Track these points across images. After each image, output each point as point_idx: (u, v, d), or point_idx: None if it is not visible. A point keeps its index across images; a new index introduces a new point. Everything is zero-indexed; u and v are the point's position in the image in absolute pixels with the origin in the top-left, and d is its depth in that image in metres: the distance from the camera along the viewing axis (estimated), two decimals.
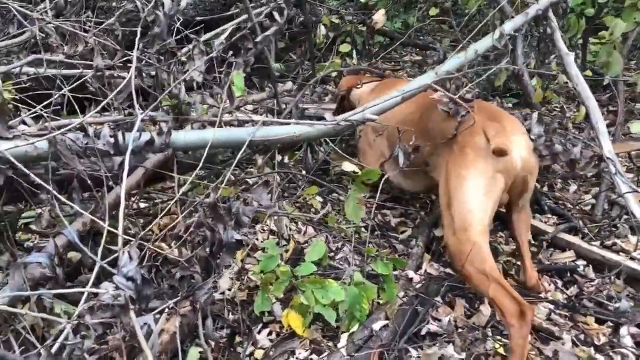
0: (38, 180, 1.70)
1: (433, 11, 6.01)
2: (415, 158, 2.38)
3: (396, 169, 2.73)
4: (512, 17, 3.06)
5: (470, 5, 4.75)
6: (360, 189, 2.47)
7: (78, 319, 1.42)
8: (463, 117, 2.31)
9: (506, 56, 2.67)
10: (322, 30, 4.72)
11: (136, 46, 2.05)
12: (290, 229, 3.10)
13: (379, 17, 4.41)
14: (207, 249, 1.80)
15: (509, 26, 2.92)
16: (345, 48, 4.86)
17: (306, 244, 2.98)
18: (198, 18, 3.91)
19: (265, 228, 3.12)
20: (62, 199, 1.80)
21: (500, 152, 2.20)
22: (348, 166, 2.51)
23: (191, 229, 1.78)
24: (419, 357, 2.25)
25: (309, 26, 4.89)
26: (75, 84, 2.10)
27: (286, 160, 3.63)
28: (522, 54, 3.21)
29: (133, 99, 1.99)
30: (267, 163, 3.31)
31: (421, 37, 6.25)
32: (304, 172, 3.39)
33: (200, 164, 2.05)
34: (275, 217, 3.00)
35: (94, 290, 1.51)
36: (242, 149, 2.16)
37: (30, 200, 2.05)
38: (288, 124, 2.33)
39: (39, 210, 1.93)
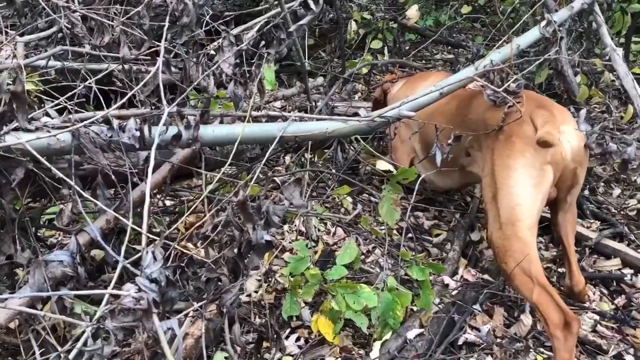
0: (60, 174, 1.62)
1: (465, 9, 5.86)
2: (453, 152, 2.24)
3: (431, 168, 2.60)
4: (556, 10, 2.91)
5: (508, 3, 4.59)
6: (395, 189, 2.34)
7: (98, 323, 1.33)
8: (510, 108, 2.17)
9: (554, 45, 2.50)
10: (352, 26, 4.59)
11: (164, 37, 1.95)
12: (319, 230, 2.99)
13: (412, 12, 4.28)
14: (235, 250, 1.69)
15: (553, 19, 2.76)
16: (376, 44, 4.73)
17: (335, 246, 2.87)
18: (227, 13, 3.83)
19: (294, 229, 3.01)
20: (85, 194, 1.72)
21: (545, 144, 2.05)
22: (382, 165, 2.38)
23: (219, 228, 1.67)
24: None
25: (340, 22, 4.78)
26: (100, 75, 2.01)
27: (315, 159, 3.52)
28: (566, 49, 3.05)
29: (160, 91, 1.90)
30: (296, 163, 3.21)
31: (454, 35, 6.08)
32: (334, 171, 3.27)
33: (229, 160, 1.95)
34: (304, 218, 2.89)
35: (116, 292, 1.42)
36: (273, 145, 2.05)
37: (53, 195, 1.98)
38: (321, 119, 2.22)
39: (62, 206, 1.84)
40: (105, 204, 1.81)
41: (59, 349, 1.54)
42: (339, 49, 5.13)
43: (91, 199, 1.73)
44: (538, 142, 2.04)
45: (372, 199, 3.31)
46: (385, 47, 4.98)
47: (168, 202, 3.04)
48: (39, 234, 2.58)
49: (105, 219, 1.99)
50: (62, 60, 2.60)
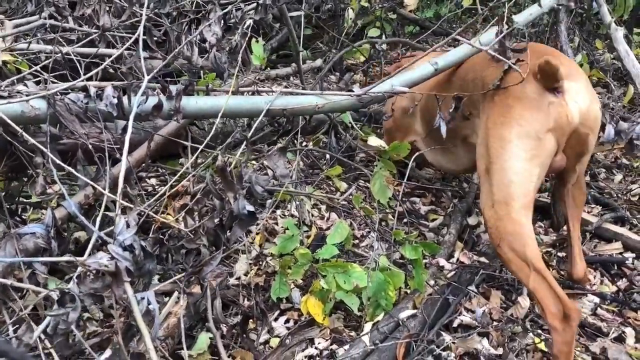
0: (32, 140, 1.55)
1: (466, 1, 5.77)
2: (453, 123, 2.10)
3: (433, 144, 2.49)
4: None
5: None
6: (387, 166, 2.26)
7: (63, 289, 1.26)
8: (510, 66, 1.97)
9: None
10: (350, 13, 4.52)
11: (145, 4, 1.89)
12: (312, 215, 2.91)
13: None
14: (216, 220, 1.62)
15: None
16: (374, 32, 4.65)
17: (329, 231, 2.79)
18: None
19: (286, 213, 2.94)
20: (60, 162, 1.64)
21: (546, 76, 1.81)
22: (374, 141, 2.30)
23: (198, 196, 1.60)
24: (453, 342, 2.03)
25: (337, 12, 4.71)
26: (80, 43, 1.94)
27: (310, 146, 3.45)
28: (566, 29, 2.96)
29: (141, 60, 1.83)
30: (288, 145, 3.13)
31: (454, 26, 6.00)
32: (328, 155, 3.20)
33: (212, 132, 1.88)
34: (297, 202, 2.82)
35: (86, 259, 1.35)
36: (259, 118, 1.98)
37: (31, 167, 1.91)
38: (311, 93, 2.15)
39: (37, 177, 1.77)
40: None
41: (34, 326, 1.48)
42: (337, 40, 5.06)
43: (67, 167, 1.65)
44: (540, 68, 1.83)
45: (368, 184, 3.23)
46: (384, 36, 4.90)
47: (158, 188, 2.97)
48: (24, 217, 2.52)
49: (84, 194, 1.92)
50: (52, 44, 2.54)
